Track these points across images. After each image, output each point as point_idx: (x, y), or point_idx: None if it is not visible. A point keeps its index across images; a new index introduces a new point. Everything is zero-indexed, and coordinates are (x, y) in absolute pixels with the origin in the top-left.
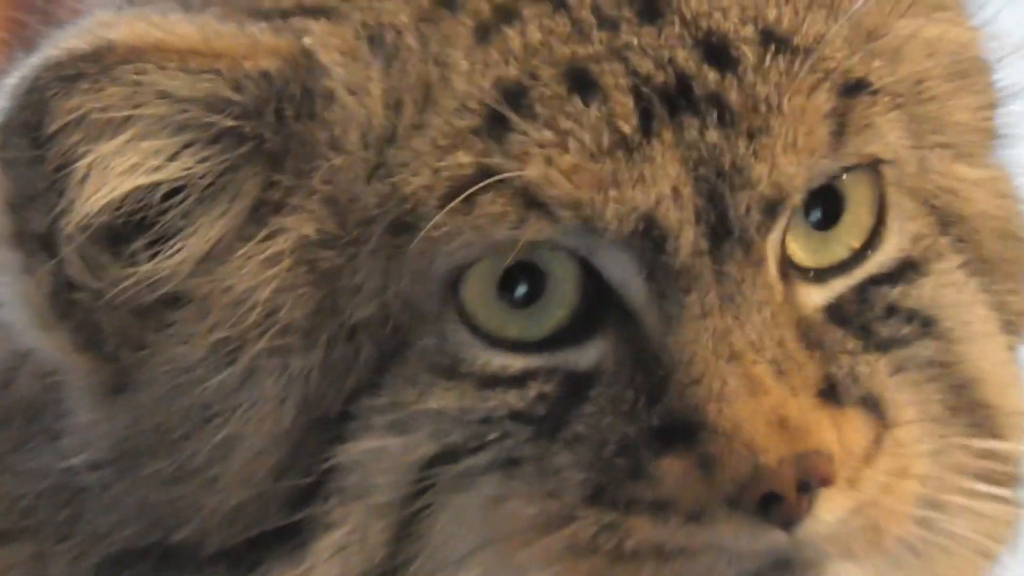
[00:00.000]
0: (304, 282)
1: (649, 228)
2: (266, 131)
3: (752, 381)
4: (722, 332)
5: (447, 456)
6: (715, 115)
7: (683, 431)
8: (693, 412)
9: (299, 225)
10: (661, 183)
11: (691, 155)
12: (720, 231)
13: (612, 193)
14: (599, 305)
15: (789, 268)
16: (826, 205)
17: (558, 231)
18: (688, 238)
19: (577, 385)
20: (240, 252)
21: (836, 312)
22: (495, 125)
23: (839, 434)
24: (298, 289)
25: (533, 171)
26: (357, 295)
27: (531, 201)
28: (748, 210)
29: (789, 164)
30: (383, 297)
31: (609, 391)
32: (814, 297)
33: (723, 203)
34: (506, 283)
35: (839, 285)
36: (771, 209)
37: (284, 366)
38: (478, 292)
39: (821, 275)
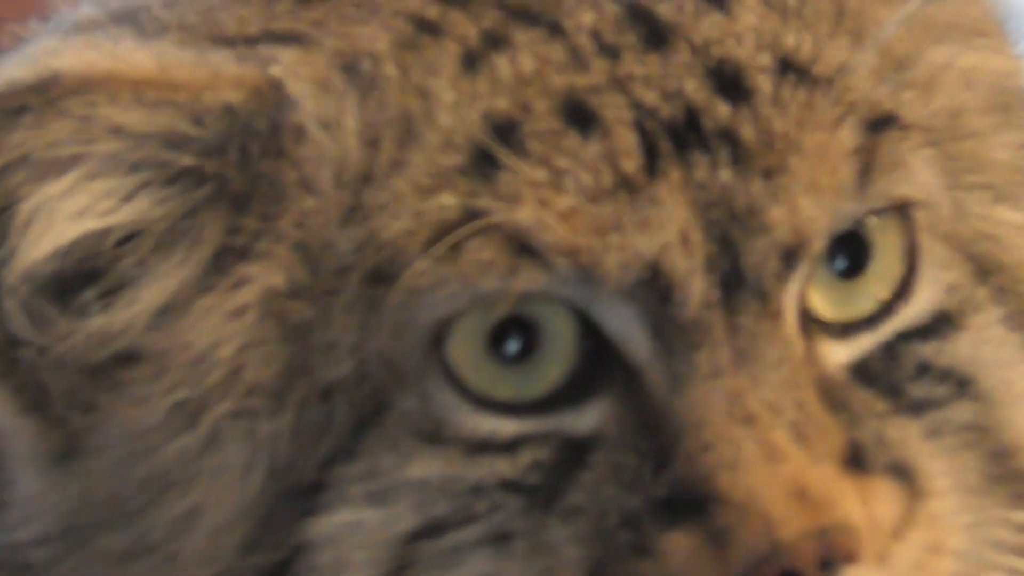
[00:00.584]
0: (272, 337)
1: (654, 278)
2: (229, 170)
3: (769, 447)
4: (736, 393)
5: (431, 530)
6: (727, 152)
7: (692, 502)
8: (703, 481)
9: (266, 274)
10: (668, 227)
11: (701, 196)
12: (733, 281)
13: (613, 239)
14: (599, 363)
15: (810, 322)
16: (851, 252)
17: (553, 281)
18: (698, 289)
19: (575, 451)
20: (201, 304)
21: (862, 371)
22: (483, 163)
23: (866, 505)
24: (265, 345)
25: (525, 214)
26: (331, 352)
27: (523, 247)
28: (764, 258)
29: (809, 207)
30: (360, 354)
31: (610, 458)
32: (838, 354)
33: (736, 250)
34: (497, 338)
35: (866, 341)
36: (790, 257)
37: (250, 430)
38: (465, 348)
39: (846, 330)
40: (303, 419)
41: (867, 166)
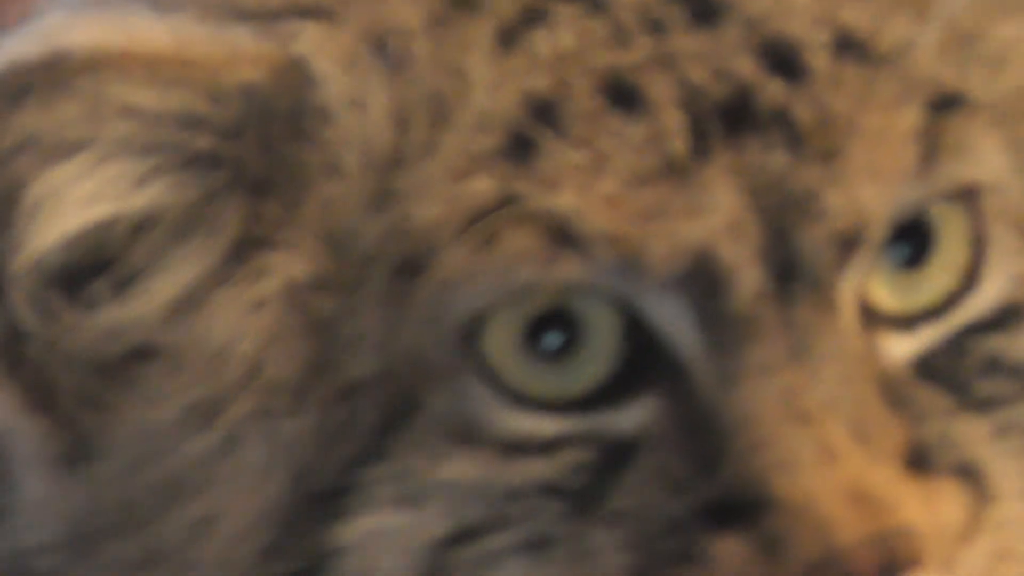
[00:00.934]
0: (295, 332)
1: (703, 267)
2: (248, 153)
3: (826, 447)
4: (790, 389)
5: (465, 535)
6: (781, 134)
7: (743, 507)
8: (755, 484)
9: (289, 264)
10: (717, 214)
11: (753, 181)
12: (788, 271)
13: (659, 226)
14: (644, 359)
15: (870, 314)
16: (914, 241)
17: (595, 271)
18: (750, 279)
19: (618, 453)
20: (219, 296)
21: (926, 366)
22: (521, 146)
23: (929, 509)
24: (288, 340)
25: (565, 200)
26: (357, 347)
27: (563, 236)
28: (821, 246)
29: (869, 193)
30: (388, 350)
31: (655, 460)
32: (900, 348)
33: (791, 238)
34: (535, 332)
35: (930, 334)
36: (848, 245)
37: (271, 431)
38: (502, 343)
39: (908, 323)
40: (327, 419)
41: (931, 149)
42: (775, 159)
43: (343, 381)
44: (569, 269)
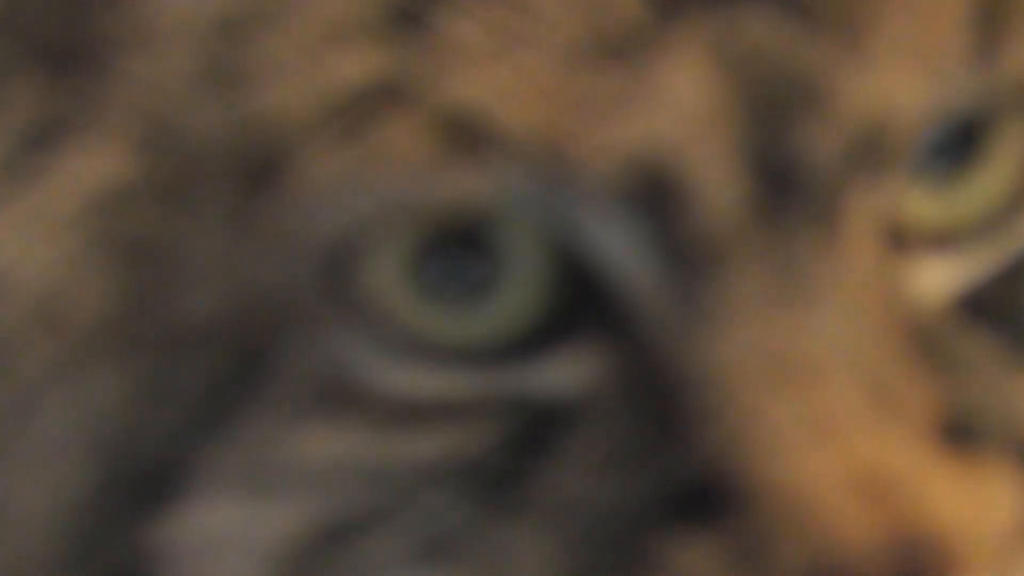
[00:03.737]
0: (102, 259)
1: (660, 177)
2: (41, 19)
3: (826, 416)
4: (778, 339)
5: (335, 534)
6: None
7: (712, 496)
8: (728, 467)
9: (94, 164)
10: (682, 102)
11: (732, 59)
12: (778, 184)
13: (600, 120)
14: (580, 300)
15: (895, 239)
16: (957, 147)
17: (508, 184)
18: (724, 193)
19: (544, 422)
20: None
21: (973, 305)
22: (404, 13)
23: (971, 499)
24: (93, 269)
25: (467, 85)
26: (187, 281)
27: (464, 134)
28: (826, 151)
29: (902, 82)
30: (229, 284)
31: (595, 432)
32: (937, 278)
33: (784, 139)
34: (432, 262)
35: (978, 259)
36: (865, 152)
37: (73, 393)
38: (386, 275)
39: (946, 250)
40: (148, 377)
41: (989, 31)
42: (767, 28)
43: (171, 328)
44: (471, 179)
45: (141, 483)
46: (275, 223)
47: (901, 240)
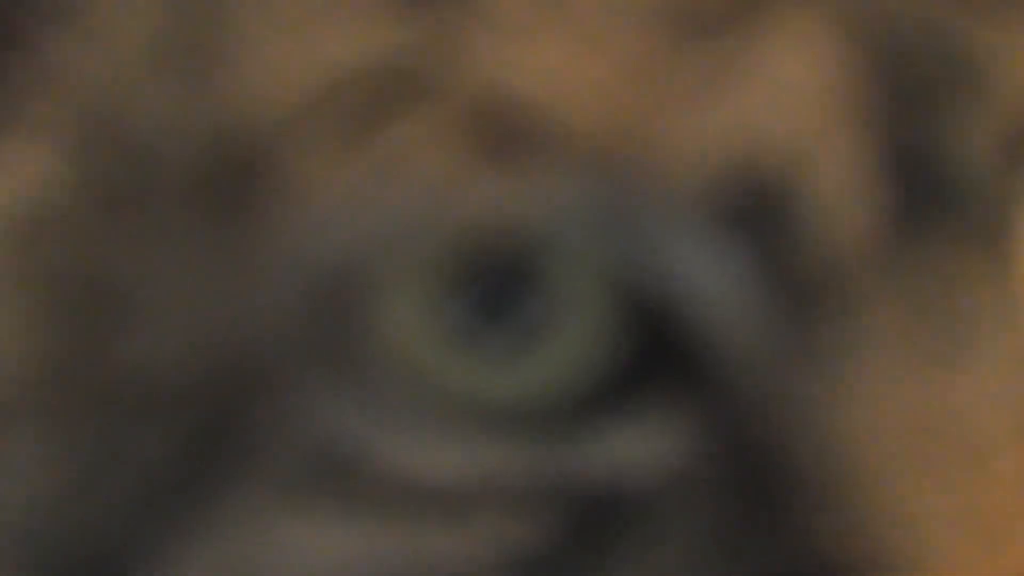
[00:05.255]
0: (20, 296)
1: (768, 188)
2: None
3: (994, 511)
4: (930, 406)
5: None
6: None
7: None
8: (857, 557)
9: (14, 172)
10: (798, 87)
11: (864, 27)
12: (927, 191)
13: (686, 115)
14: (656, 349)
15: None
16: None
17: (562, 198)
18: (855, 207)
19: (610, 509)
20: None
21: None
22: None
23: None
24: (19, 304)
25: (507, 68)
26: (137, 326)
27: (502, 132)
28: (990, 147)
29: None
30: (193, 329)
31: (677, 523)
32: None
33: (934, 131)
34: (462, 299)
35: None
36: None
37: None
38: (401, 316)
39: None
40: (90, 453)
41: None
42: None
43: (113, 384)
44: (512, 193)
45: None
46: (253, 250)
47: None
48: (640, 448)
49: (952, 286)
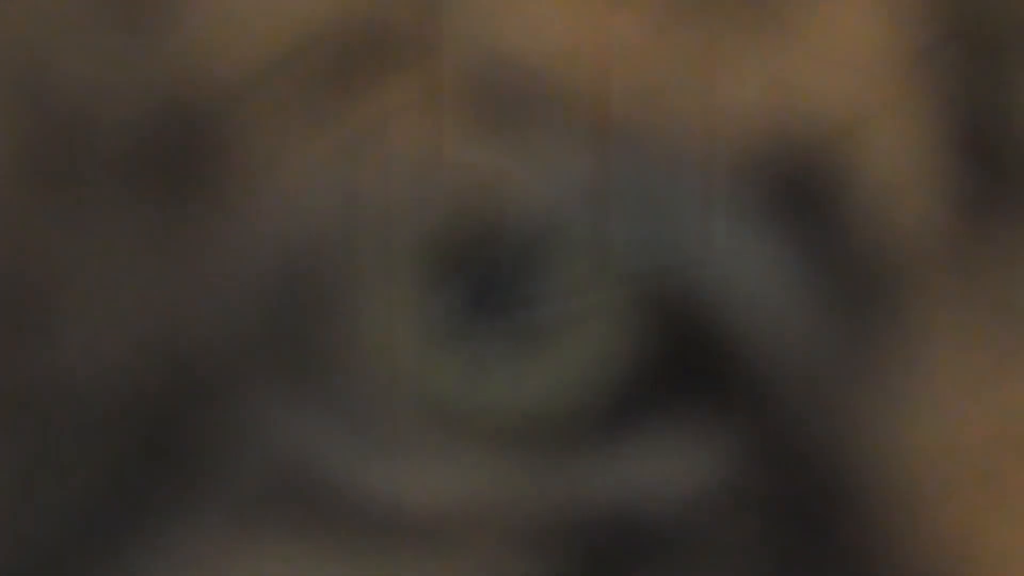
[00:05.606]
0: None
1: (817, 166)
2: None
3: None
4: (1010, 422)
5: None
6: None
7: None
8: None
9: None
10: (852, 48)
11: None
12: (1003, 168)
13: (719, 80)
14: (684, 354)
15: None
16: None
17: (570, 177)
18: (920, 187)
19: (631, 539)
20: None
21: None
22: None
23: None
24: None
25: (504, 25)
26: (67, 325)
27: (498, 99)
28: None
29: None
30: (134, 330)
31: (710, 554)
32: None
33: (1003, 103)
34: (451, 291)
35: None
36: None
37: None
38: (377, 311)
39: None
40: (21, 468)
41: None
42: None
43: (42, 390)
44: (510, 170)
45: None
46: (205, 236)
47: None
48: (664, 469)
49: None
